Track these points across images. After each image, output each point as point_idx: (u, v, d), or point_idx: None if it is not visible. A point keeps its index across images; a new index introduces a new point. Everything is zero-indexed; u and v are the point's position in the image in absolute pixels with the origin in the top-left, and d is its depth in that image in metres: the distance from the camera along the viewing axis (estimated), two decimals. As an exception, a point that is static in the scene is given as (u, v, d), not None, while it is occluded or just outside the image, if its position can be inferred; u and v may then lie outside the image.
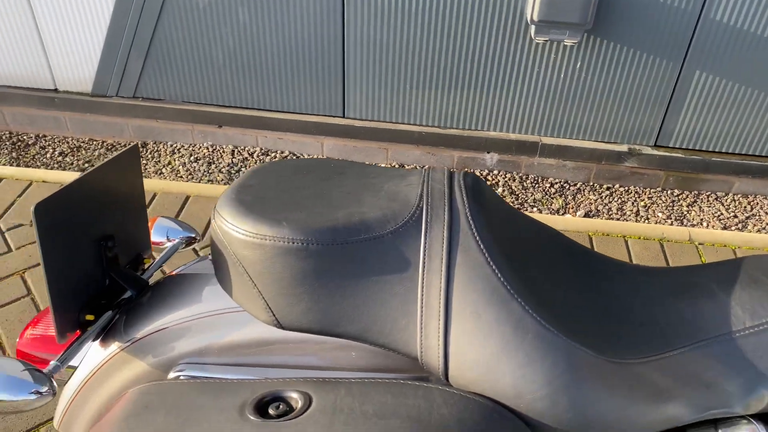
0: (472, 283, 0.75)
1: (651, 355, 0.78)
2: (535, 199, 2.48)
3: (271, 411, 0.73)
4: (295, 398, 0.74)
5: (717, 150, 2.50)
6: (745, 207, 2.51)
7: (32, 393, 0.79)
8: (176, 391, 0.78)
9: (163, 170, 2.56)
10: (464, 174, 0.86)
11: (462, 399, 0.72)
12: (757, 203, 2.53)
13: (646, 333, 0.81)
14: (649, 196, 2.55)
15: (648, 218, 2.42)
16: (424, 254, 0.77)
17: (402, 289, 0.77)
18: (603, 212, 2.43)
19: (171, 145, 2.68)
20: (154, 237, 1.15)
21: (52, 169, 2.53)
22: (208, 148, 2.66)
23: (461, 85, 2.44)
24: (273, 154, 2.65)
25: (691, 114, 2.42)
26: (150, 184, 2.42)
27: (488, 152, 2.57)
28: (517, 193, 2.51)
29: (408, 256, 0.77)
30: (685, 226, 2.40)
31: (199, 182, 2.48)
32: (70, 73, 2.60)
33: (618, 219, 2.40)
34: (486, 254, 0.76)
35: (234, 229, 0.79)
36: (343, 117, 2.60)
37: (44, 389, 0.80)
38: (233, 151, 2.66)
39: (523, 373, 0.73)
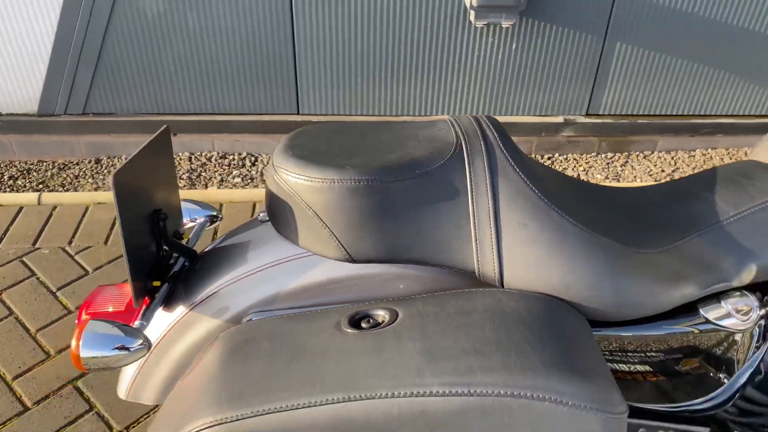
0: (514, 200, 0.88)
1: (663, 246, 0.94)
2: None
3: (363, 325, 0.83)
4: (382, 314, 0.85)
5: (641, 113, 2.78)
6: (669, 162, 2.80)
7: (127, 348, 0.85)
8: (271, 324, 0.86)
9: (123, 182, 2.55)
10: (488, 117, 0.99)
11: (524, 295, 0.85)
12: (679, 158, 2.82)
13: (656, 231, 0.97)
14: (587, 161, 2.79)
15: (588, 180, 2.66)
16: (470, 181, 0.89)
17: (455, 214, 0.89)
18: (550, 179, 2.63)
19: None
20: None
21: (4, 192, 2.47)
22: (165, 157, 2.67)
23: (410, 73, 2.59)
24: (231, 157, 2.70)
25: (616, 83, 2.67)
26: (110, 197, 2.41)
27: (438, 135, 2.73)
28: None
29: (457, 185, 0.89)
30: (621, 183, 2.65)
31: (163, 190, 2.49)
32: (14, 95, 2.55)
33: (564, 183, 2.61)
34: (523, 176, 0.90)
35: (302, 178, 0.89)
36: (298, 114, 2.68)
37: (138, 342, 0.86)
38: (190, 157, 2.69)
39: (569, 269, 0.87)
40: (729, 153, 2.86)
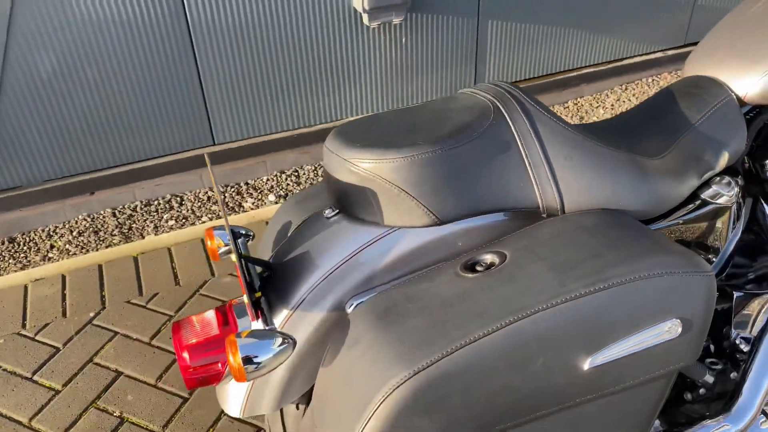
0: (555, 140, 1.06)
1: (664, 153, 1.16)
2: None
3: (478, 268, 0.96)
4: (490, 257, 0.98)
5: (521, 79, 3.11)
6: (552, 117, 3.16)
7: (280, 348, 0.91)
8: (392, 294, 0.95)
9: (50, 254, 2.41)
10: (504, 82, 1.15)
11: (588, 212, 1.03)
12: (556, 111, 3.20)
13: (653, 143, 1.19)
14: (485, 131, 3.08)
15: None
16: (516, 133, 1.05)
17: (513, 162, 1.04)
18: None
19: (44, 230, 2.52)
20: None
21: None
22: (86, 219, 2.56)
23: (316, 83, 2.70)
24: (155, 202, 2.64)
25: (494, 57, 2.97)
26: (48, 270, 2.28)
27: (352, 136, 2.87)
28: (389, 161, 2.85)
29: (506, 138, 1.05)
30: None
31: (97, 251, 2.39)
32: None
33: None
34: (555, 120, 1.07)
35: (381, 161, 0.99)
36: (215, 144, 2.69)
37: (286, 340, 0.92)
38: (114, 213, 2.59)
39: (614, 183, 1.06)
40: (594, 98, 3.29)
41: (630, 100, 3.25)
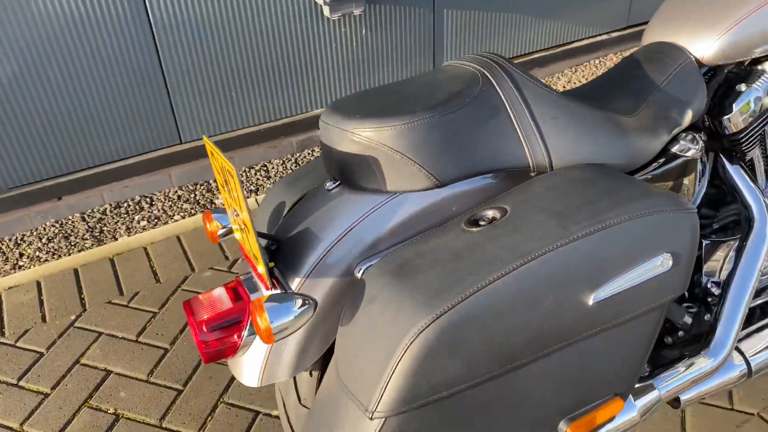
0: (540, 102, 1.13)
1: (637, 111, 1.25)
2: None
3: (481, 223, 1.02)
4: (492, 213, 1.04)
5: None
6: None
7: (303, 307, 0.95)
8: (402, 253, 1.01)
9: (21, 263, 2.36)
10: (487, 52, 1.22)
11: (576, 167, 1.10)
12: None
13: (625, 103, 1.28)
14: (446, 117, 3.16)
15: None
16: (505, 98, 1.12)
17: (503, 124, 1.11)
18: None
19: (11, 239, 2.47)
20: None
21: None
22: (54, 225, 2.51)
23: (280, 77, 2.72)
24: (125, 204, 2.62)
25: (450, 46, 3.06)
26: (21, 278, 2.24)
27: (319, 128, 2.91)
28: (356, 151, 2.90)
29: (496, 103, 1.12)
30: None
31: (69, 255, 2.36)
32: None
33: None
34: (539, 84, 1.15)
35: (382, 129, 1.05)
36: (181, 143, 2.68)
37: (308, 301, 0.96)
38: (83, 217, 2.56)
39: (597, 139, 1.14)
40: (547, 80, 3.42)
41: (580, 81, 3.39)
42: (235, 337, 1.11)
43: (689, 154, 1.30)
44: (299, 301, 0.95)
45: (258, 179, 2.77)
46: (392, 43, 2.89)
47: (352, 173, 1.12)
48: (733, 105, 1.40)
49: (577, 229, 0.93)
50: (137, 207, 2.61)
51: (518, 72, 1.15)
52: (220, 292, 1.16)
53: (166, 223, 2.53)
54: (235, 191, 0.99)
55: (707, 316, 1.40)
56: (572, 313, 0.92)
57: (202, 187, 2.72)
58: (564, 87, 3.35)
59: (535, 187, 1.07)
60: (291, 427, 1.26)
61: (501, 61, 1.17)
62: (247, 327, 1.11)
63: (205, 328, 1.09)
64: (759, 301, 1.52)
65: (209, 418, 1.72)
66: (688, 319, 1.34)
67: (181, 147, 2.67)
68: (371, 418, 0.88)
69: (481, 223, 1.03)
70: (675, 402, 1.33)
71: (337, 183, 1.18)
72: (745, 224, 1.38)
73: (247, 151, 2.79)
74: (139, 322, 2.03)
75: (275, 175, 2.79)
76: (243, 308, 1.11)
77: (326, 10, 2.59)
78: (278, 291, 1.05)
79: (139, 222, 2.53)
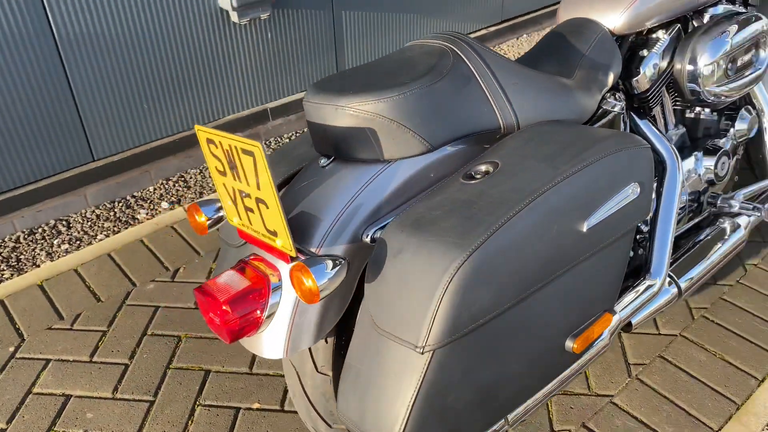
0: (503, 71, 1.29)
1: (574, 75, 1.45)
2: (288, 152, 2.95)
3: (477, 176, 1.15)
4: (485, 167, 1.17)
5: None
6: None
7: (338, 266, 1.02)
8: (414, 210, 1.10)
9: (-69, 303, 2.17)
10: (449, 31, 1.35)
11: (539, 122, 1.27)
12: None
13: (563, 68, 1.47)
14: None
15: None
16: (474, 68, 1.26)
17: (475, 91, 1.25)
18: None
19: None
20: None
21: None
22: (-38, 260, 2.32)
23: (192, 85, 2.70)
24: (39, 230, 2.47)
25: (351, 46, 3.19)
26: (-62, 316, 2.05)
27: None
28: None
29: (467, 74, 1.25)
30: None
31: (-12, 289, 2.20)
32: None
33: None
34: (498, 55, 1.30)
35: (379, 101, 1.15)
36: (94, 161, 2.58)
37: (342, 260, 1.03)
38: (-7, 248, 2.39)
39: (550, 98, 1.32)
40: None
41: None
42: (258, 312, 1.15)
43: (616, 109, 1.52)
44: (331, 263, 1.02)
45: (178, 190, 2.72)
46: (297, 44, 2.97)
47: (348, 146, 1.20)
48: (638, 69, 1.65)
49: (566, 168, 1.08)
50: (54, 231, 2.48)
51: (480, 46, 1.30)
52: (230, 274, 1.19)
53: (90, 243, 2.42)
54: (262, 167, 1.03)
55: (641, 251, 1.62)
56: (572, 239, 1.08)
57: (120, 204, 2.63)
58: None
59: (516, 141, 1.21)
60: (307, 396, 1.31)
61: (462, 37, 1.31)
62: (269, 300, 1.16)
63: (228, 308, 1.12)
64: (680, 231, 1.78)
65: (189, 423, 1.71)
66: (630, 253, 1.56)
67: (95, 164, 2.57)
68: (422, 353, 0.97)
69: (477, 176, 1.16)
70: (627, 327, 1.54)
71: (331, 159, 1.26)
72: (660, 168, 1.62)
73: (163, 163, 2.74)
74: (89, 342, 1.95)
75: (195, 185, 2.76)
76: (262, 283, 1.15)
77: (234, 16, 2.62)
78: (305, 257, 1.11)
79: (59, 246, 2.40)
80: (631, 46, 1.68)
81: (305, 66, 3.05)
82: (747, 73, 1.72)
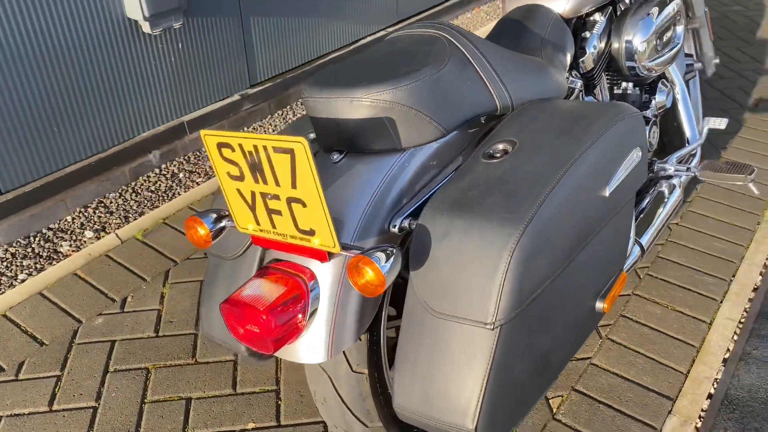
0: (494, 55, 1.34)
1: (542, 55, 1.52)
2: (206, 171, 2.83)
3: (497, 155, 1.18)
4: (503, 146, 1.20)
5: (290, 68, 3.30)
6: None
7: (391, 260, 1.01)
8: (444, 191, 1.11)
9: None
10: (433, 21, 1.37)
11: (532, 101, 1.33)
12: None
13: (529, 50, 1.54)
14: (269, 122, 3.21)
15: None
16: (468, 55, 1.30)
17: (473, 77, 1.29)
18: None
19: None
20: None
21: None
22: None
23: (104, 102, 2.51)
24: (-55, 278, 2.18)
25: (261, 52, 3.11)
26: None
27: (150, 152, 2.74)
28: (188, 171, 2.80)
29: (464, 60, 1.29)
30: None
31: None
32: None
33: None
34: (485, 41, 1.35)
35: (398, 89, 1.15)
36: (2, 193, 2.32)
37: (398, 252, 1.01)
38: None
39: (534, 77, 1.39)
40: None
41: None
42: (299, 316, 1.10)
43: (577, 86, 1.62)
44: (384, 254, 1.00)
45: (100, 217, 2.52)
46: (209, 53, 2.85)
47: (365, 138, 1.18)
48: (584, 49, 1.77)
49: (585, 138, 1.14)
50: (-35, 276, 2.20)
51: (468, 33, 1.33)
52: (257, 283, 1.13)
53: (11, 285, 2.17)
54: (303, 164, 0.98)
55: None
56: (598, 204, 1.14)
57: (38, 239, 2.38)
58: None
59: (524, 119, 1.26)
60: (341, 398, 1.27)
61: (451, 24, 1.34)
62: (310, 305, 1.11)
63: (270, 316, 1.06)
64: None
65: (182, 456, 1.59)
66: None
67: (3, 198, 2.31)
68: (492, 329, 0.99)
69: (497, 155, 1.19)
70: None
71: (344, 154, 1.23)
72: None
73: (79, 189, 2.52)
74: (43, 390, 1.76)
75: (117, 209, 2.56)
76: (298, 287, 1.11)
77: (146, 27, 2.47)
78: (331, 266, 1.08)
79: (22, 272, 2.14)
80: (575, 29, 1.80)
81: (218, 75, 2.94)
82: (670, 47, 1.90)
